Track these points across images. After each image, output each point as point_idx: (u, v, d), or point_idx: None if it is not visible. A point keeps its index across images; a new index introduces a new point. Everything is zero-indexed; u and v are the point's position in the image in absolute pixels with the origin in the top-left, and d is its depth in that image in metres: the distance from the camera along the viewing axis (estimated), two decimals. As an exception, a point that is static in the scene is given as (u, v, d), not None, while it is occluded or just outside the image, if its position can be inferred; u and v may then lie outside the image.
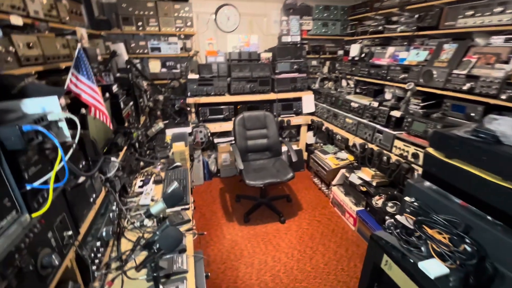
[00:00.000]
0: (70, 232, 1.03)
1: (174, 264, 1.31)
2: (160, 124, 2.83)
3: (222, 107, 3.73)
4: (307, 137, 4.25)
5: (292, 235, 2.87)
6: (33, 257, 0.81)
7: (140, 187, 2.06)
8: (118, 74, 2.69)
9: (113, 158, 1.57)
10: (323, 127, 3.75)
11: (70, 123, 1.41)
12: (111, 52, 2.62)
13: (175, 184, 1.62)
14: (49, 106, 0.95)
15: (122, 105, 2.21)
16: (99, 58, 2.59)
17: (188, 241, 1.52)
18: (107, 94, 1.95)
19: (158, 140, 2.91)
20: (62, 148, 0.86)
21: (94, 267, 1.20)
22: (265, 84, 3.79)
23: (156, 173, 2.27)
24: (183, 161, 2.46)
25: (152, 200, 1.87)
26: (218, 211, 3.29)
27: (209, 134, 3.64)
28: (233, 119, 3.43)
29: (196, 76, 3.61)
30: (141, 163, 2.35)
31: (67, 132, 1.00)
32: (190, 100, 3.56)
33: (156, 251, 1.07)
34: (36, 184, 0.84)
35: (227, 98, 3.72)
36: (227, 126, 3.73)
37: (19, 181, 0.80)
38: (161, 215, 1.50)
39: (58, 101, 0.96)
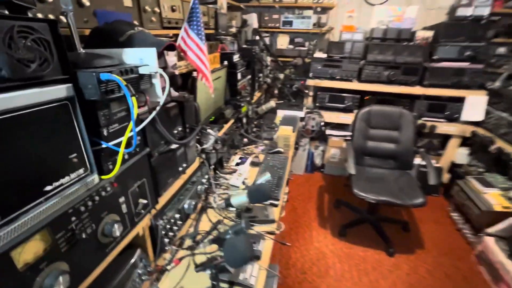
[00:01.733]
0: (145, 201, 0.95)
1: (242, 273, 1.07)
2: (272, 103, 2.64)
3: (345, 95, 3.16)
4: (457, 153, 3.06)
5: (400, 277, 2.15)
6: (94, 222, 0.73)
7: (237, 164, 1.95)
8: (244, 46, 2.63)
9: (210, 131, 1.46)
10: (493, 147, 2.54)
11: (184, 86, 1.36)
12: (242, 21, 2.55)
13: (266, 176, 1.36)
14: (147, 58, 0.82)
15: (239, 76, 2.11)
16: (233, 29, 2.59)
17: (266, 247, 1.25)
18: (225, 62, 1.87)
19: (268, 119, 2.76)
20: (136, 107, 0.70)
21: (167, 240, 1.13)
22: (411, 73, 2.88)
23: (256, 153, 2.11)
24: (286, 147, 2.19)
25: (243, 183, 1.71)
26: (312, 210, 2.91)
27: (322, 123, 3.20)
28: (355, 111, 2.83)
29: (324, 56, 3.16)
30: (244, 140, 2.24)
31: (159, 91, 0.86)
32: (310, 82, 3.19)
33: (217, 259, 0.84)
34: (111, 143, 0.73)
35: (354, 85, 3.09)
36: (346, 118, 3.15)
37: (94, 136, 0.70)
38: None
39: (155, 54, 0.82)
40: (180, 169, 1.23)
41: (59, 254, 0.63)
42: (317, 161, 3.56)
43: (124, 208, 0.86)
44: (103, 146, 0.73)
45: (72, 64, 0.64)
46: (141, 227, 0.98)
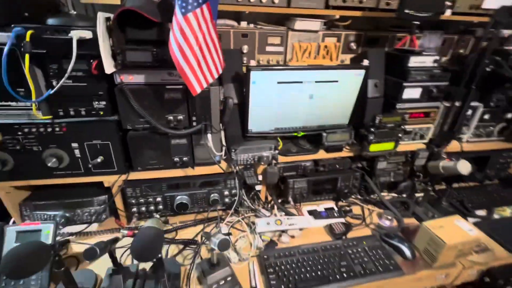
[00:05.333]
0: (101, 158, 1.03)
1: None
2: (463, 166, 1.25)
3: None
4: None
5: None
6: (41, 146, 0.96)
7: (309, 213, 1.32)
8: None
9: (263, 143, 1.07)
10: None
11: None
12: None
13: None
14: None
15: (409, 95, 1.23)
16: (448, 12, 1.41)
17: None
18: (365, 62, 1.14)
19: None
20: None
21: (135, 209, 1.17)
22: None
23: (356, 224, 1.26)
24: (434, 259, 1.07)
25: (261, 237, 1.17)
26: None
27: None
28: None
29: None
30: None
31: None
32: None
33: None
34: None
35: None
36: None
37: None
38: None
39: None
40: (176, 159, 1.11)
41: (5, 148, 0.93)
42: None
43: (77, 152, 1.01)
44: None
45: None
46: (108, 181, 1.10)
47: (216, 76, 0.92)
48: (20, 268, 0.67)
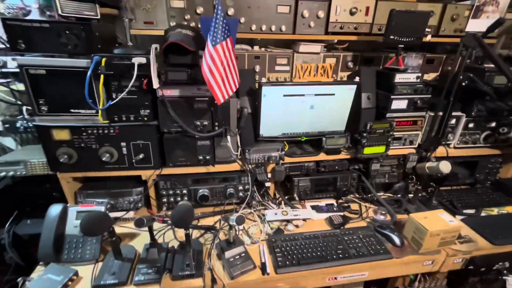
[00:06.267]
0: (142, 155, 1.29)
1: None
2: (444, 166, 1.42)
3: None
4: None
5: None
6: (98, 144, 1.24)
7: (313, 208, 1.52)
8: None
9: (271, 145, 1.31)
10: None
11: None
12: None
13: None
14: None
15: (399, 105, 1.45)
16: (428, 36, 1.60)
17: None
18: (357, 78, 1.38)
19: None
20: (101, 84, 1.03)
21: (165, 200, 1.41)
22: None
23: (353, 217, 1.44)
24: (419, 245, 1.23)
25: (269, 225, 1.37)
26: None
27: None
28: None
29: None
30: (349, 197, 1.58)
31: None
32: None
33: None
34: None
35: None
36: None
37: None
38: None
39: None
40: (200, 157, 1.36)
41: (72, 145, 1.21)
42: None
43: (124, 150, 1.28)
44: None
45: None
46: (145, 175, 1.35)
47: (234, 89, 1.18)
48: (92, 228, 0.92)
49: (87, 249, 1.16)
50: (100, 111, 1.12)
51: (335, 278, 1.21)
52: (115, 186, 1.40)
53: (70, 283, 1.04)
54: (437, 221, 1.25)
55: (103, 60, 1.02)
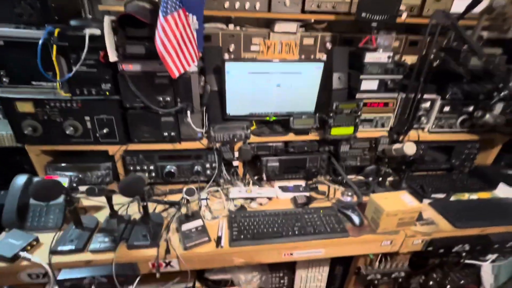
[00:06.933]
0: (107, 130, 1.31)
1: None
2: (409, 148, 1.39)
3: None
4: None
5: None
6: (62, 117, 1.26)
7: (281, 189, 1.53)
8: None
9: (236, 123, 1.31)
10: None
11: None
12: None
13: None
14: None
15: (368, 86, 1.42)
16: (403, 16, 1.54)
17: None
18: (323, 56, 1.36)
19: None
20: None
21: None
22: None
23: (319, 197, 1.45)
24: (375, 224, 1.24)
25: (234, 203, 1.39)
26: None
27: None
28: None
29: None
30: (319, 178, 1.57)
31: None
32: None
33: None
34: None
35: None
36: None
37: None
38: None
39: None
40: (165, 134, 1.37)
41: (37, 118, 1.24)
42: None
43: (88, 124, 1.30)
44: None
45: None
46: (111, 150, 1.38)
47: (192, 64, 1.18)
48: (42, 193, 0.95)
49: (50, 218, 1.21)
50: (58, 84, 1.14)
51: (291, 254, 1.23)
52: (84, 161, 1.43)
53: (29, 248, 1.09)
54: (397, 202, 1.25)
55: (56, 30, 1.03)
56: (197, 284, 1.45)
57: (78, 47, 1.09)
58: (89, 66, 1.16)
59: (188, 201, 1.19)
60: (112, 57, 1.11)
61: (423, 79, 1.35)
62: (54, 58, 1.06)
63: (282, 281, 1.59)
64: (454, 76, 1.46)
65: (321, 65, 1.37)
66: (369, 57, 1.39)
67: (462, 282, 1.65)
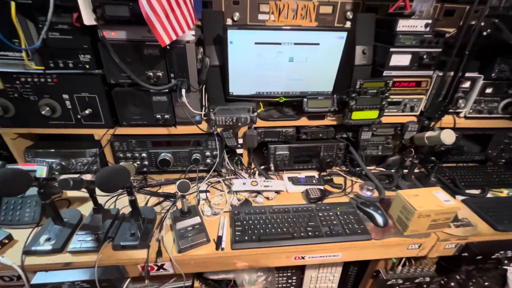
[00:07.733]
0: (90, 110, 1.12)
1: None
2: (446, 136, 1.17)
3: None
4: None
5: None
6: (36, 96, 1.07)
7: (290, 181, 1.34)
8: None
9: (239, 104, 1.11)
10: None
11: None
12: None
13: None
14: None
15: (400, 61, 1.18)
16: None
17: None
18: (348, 24, 1.11)
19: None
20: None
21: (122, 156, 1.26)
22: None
23: (334, 192, 1.26)
24: (403, 226, 1.05)
25: (237, 196, 1.21)
26: None
27: None
28: None
29: None
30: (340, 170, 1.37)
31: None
32: None
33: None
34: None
35: None
36: None
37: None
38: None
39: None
40: (158, 116, 1.18)
41: (7, 96, 1.05)
42: None
43: (68, 104, 1.11)
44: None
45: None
46: (97, 134, 1.20)
47: (186, 30, 0.96)
48: (4, 186, 0.78)
49: (27, 212, 1.05)
50: (25, 53, 0.94)
51: (303, 258, 1.06)
52: (67, 146, 1.26)
53: (0, 246, 0.94)
54: (430, 200, 1.05)
55: (14, -17, 0.81)
56: (196, 283, 1.31)
57: (46, 7, 0.88)
58: (62, 32, 0.96)
59: (183, 195, 1.01)
60: (88, 19, 0.90)
61: (468, 53, 1.11)
62: (14, 19, 0.85)
63: (289, 281, 1.44)
64: (502, 50, 1.21)
65: (343, 35, 1.13)
66: (403, 25, 1.15)
67: (486, 284, 1.49)
